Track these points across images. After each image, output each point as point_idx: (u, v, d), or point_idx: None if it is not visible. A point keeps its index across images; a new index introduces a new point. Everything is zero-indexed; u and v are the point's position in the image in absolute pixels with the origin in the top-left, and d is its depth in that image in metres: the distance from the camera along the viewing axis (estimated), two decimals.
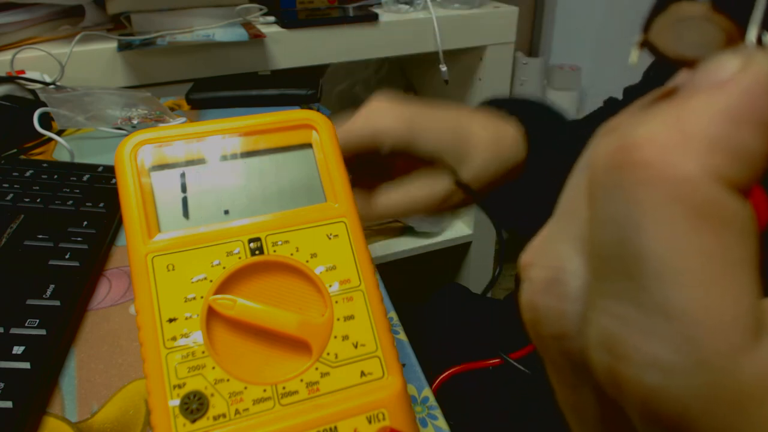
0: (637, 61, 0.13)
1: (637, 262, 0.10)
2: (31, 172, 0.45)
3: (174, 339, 0.22)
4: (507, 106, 0.46)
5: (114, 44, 0.75)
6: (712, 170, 0.09)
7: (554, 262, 0.12)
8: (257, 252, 0.24)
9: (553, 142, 0.44)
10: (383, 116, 0.41)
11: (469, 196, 0.43)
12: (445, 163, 0.41)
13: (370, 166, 0.42)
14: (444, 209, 0.43)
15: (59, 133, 0.56)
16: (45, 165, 0.46)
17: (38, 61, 0.69)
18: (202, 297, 0.23)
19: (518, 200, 0.45)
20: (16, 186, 0.42)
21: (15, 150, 0.54)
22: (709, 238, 0.09)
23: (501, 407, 0.50)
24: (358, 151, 0.40)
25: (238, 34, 0.77)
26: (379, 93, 0.43)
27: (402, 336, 0.36)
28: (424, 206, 0.42)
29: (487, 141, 0.42)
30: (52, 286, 0.34)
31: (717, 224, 0.09)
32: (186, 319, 0.23)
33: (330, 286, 0.24)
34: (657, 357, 0.09)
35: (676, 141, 0.10)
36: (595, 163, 0.11)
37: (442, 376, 0.48)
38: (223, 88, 0.70)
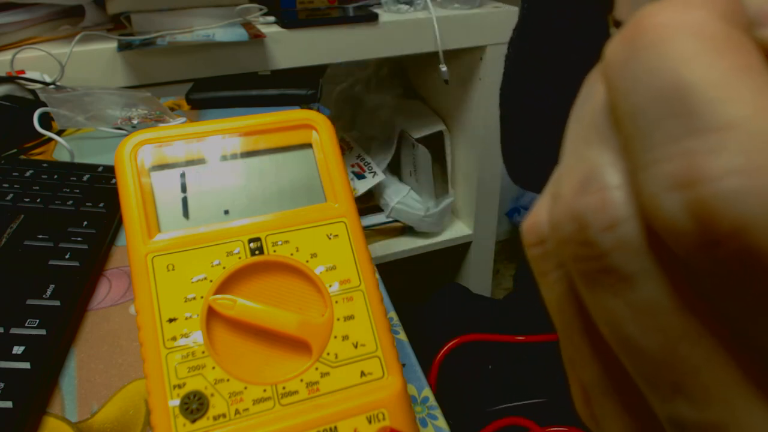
0: None
1: (682, 100, 0.10)
2: (31, 172, 0.45)
3: (174, 339, 0.22)
4: None
5: (114, 44, 0.75)
6: (717, 12, 0.10)
7: (581, 166, 0.12)
8: (257, 252, 0.24)
9: None
10: None
11: None
12: None
13: None
14: None
15: (59, 133, 0.56)
16: (45, 165, 0.46)
17: (38, 61, 0.69)
18: (202, 297, 0.23)
19: None
20: (16, 186, 0.42)
21: (15, 150, 0.54)
22: (740, 59, 0.10)
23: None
24: None
25: (238, 34, 0.77)
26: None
27: (402, 336, 0.36)
28: None
29: None
30: (52, 286, 0.34)
31: (742, 49, 0.10)
32: (186, 319, 0.23)
33: (330, 286, 0.24)
34: (732, 164, 0.09)
35: (677, 3, 0.10)
36: (607, 54, 0.11)
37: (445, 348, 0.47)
38: (223, 88, 0.70)
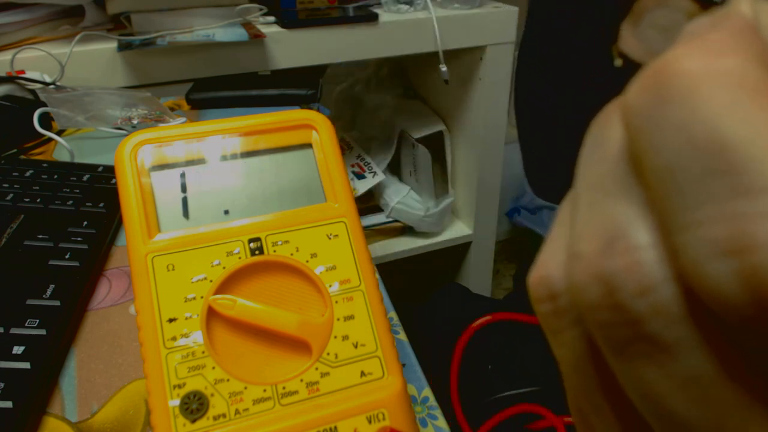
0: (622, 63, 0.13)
1: (723, 157, 0.09)
2: (31, 172, 0.45)
3: (174, 339, 0.22)
4: None
5: (114, 44, 0.75)
6: (751, 57, 0.09)
7: (603, 221, 0.11)
8: (257, 252, 0.24)
9: None
10: None
11: None
12: None
13: None
14: None
15: (59, 133, 0.56)
16: (45, 165, 0.46)
17: (38, 61, 0.69)
18: (202, 297, 0.23)
19: None
20: (16, 186, 0.42)
21: (15, 150, 0.54)
22: None
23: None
24: None
25: (238, 34, 0.77)
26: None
27: (402, 336, 0.36)
28: None
29: None
30: (52, 286, 0.34)
31: None
32: (186, 319, 0.23)
33: (330, 286, 0.24)
34: None
35: (706, 48, 0.09)
36: (629, 101, 0.10)
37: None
38: (223, 88, 0.70)
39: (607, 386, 0.12)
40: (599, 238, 0.10)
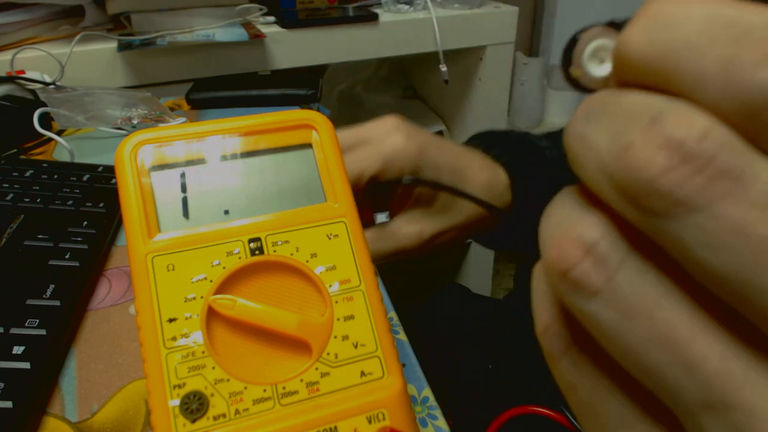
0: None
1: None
2: (31, 172, 0.45)
3: (174, 339, 0.22)
4: (496, 146, 0.49)
5: (114, 44, 0.75)
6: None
7: (638, 110, 0.12)
8: (257, 252, 0.24)
9: (536, 195, 0.47)
10: (398, 136, 0.44)
11: (459, 236, 0.46)
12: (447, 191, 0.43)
13: (377, 195, 0.44)
14: (445, 244, 0.45)
15: (59, 133, 0.56)
16: (45, 165, 0.46)
17: (38, 61, 0.69)
18: (202, 297, 0.23)
19: (505, 236, 0.48)
20: (16, 186, 0.42)
21: (15, 150, 0.55)
22: None
23: None
24: (375, 173, 0.41)
25: (238, 34, 0.77)
26: (386, 115, 0.45)
27: (402, 336, 0.36)
28: (429, 240, 0.44)
29: (482, 186, 0.45)
30: (52, 286, 0.34)
31: None
32: (186, 319, 0.23)
33: (330, 286, 0.24)
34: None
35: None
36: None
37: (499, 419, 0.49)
38: (223, 88, 0.70)
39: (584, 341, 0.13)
40: (644, 118, 0.11)
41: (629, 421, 0.13)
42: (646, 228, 0.11)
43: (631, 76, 0.12)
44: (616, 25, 0.13)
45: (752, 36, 0.10)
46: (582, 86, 0.13)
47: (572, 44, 0.13)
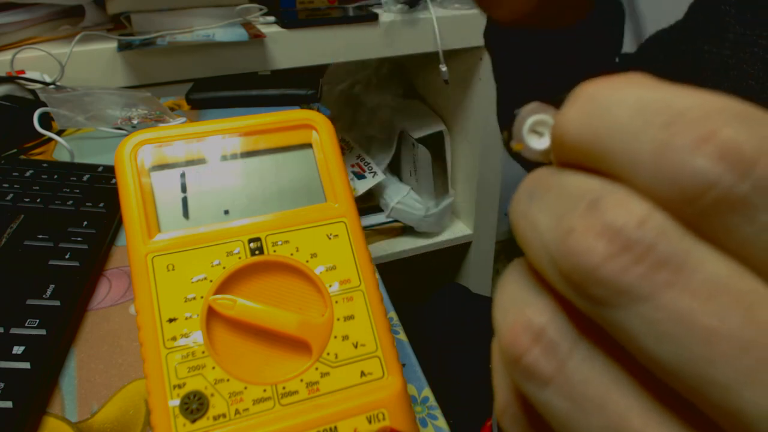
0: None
1: None
2: (31, 172, 0.45)
3: (174, 339, 0.22)
4: None
5: (114, 44, 0.75)
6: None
7: (576, 195, 0.12)
8: (257, 252, 0.24)
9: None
10: None
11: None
12: None
13: None
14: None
15: (59, 133, 0.56)
16: (45, 165, 0.46)
17: (38, 61, 0.69)
18: (202, 297, 0.23)
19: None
20: (16, 186, 0.42)
21: (15, 150, 0.54)
22: None
23: None
24: None
25: (238, 34, 0.77)
26: None
27: (402, 336, 0.36)
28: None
29: None
30: (52, 286, 0.34)
31: None
32: (186, 319, 0.23)
33: (330, 286, 0.24)
34: None
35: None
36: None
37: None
38: (223, 88, 0.70)
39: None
40: (583, 202, 0.11)
41: None
42: (591, 315, 0.11)
43: (568, 157, 0.12)
44: (555, 101, 0.13)
45: (684, 119, 0.10)
46: (523, 159, 0.14)
47: (512, 120, 0.14)
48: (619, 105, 0.11)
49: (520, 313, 0.12)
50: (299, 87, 0.69)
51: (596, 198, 0.11)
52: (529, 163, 0.13)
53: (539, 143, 0.14)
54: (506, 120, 0.56)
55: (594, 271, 0.10)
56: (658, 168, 0.10)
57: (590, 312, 0.11)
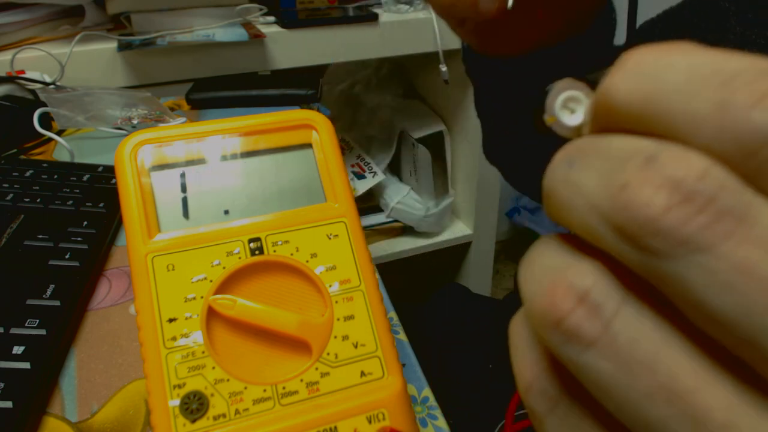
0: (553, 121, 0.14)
1: None
2: (31, 172, 0.45)
3: (174, 339, 0.22)
4: None
5: (114, 44, 0.75)
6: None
7: (631, 150, 0.12)
8: (257, 252, 0.24)
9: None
10: None
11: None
12: None
13: None
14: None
15: (59, 133, 0.56)
16: (45, 165, 0.46)
17: (38, 61, 0.69)
18: (202, 297, 0.23)
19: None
20: (16, 186, 0.42)
21: (15, 150, 0.54)
22: None
23: None
24: None
25: (238, 34, 0.77)
26: None
27: (402, 336, 0.36)
28: None
29: None
30: (52, 286, 0.34)
31: None
32: (186, 319, 0.23)
33: (330, 286, 0.24)
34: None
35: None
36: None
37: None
38: (223, 88, 0.70)
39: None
40: (638, 159, 0.11)
41: None
42: (644, 271, 0.11)
43: (615, 123, 0.12)
44: (587, 80, 0.13)
45: (741, 80, 0.10)
46: (552, 133, 0.14)
47: (544, 94, 0.14)
48: (671, 68, 0.11)
49: (561, 276, 0.12)
50: (299, 87, 0.69)
51: (653, 154, 0.11)
52: (557, 138, 0.13)
53: (571, 119, 0.14)
54: (500, 156, 0.55)
55: (654, 222, 0.10)
56: (718, 125, 0.10)
57: (643, 268, 0.11)
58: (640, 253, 0.10)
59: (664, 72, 0.11)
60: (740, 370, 0.10)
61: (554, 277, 0.12)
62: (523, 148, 0.48)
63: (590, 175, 0.12)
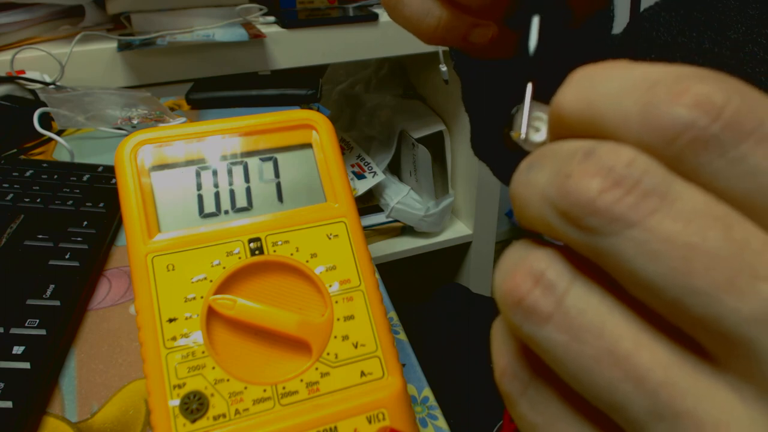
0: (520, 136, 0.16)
1: None
2: (31, 172, 0.45)
3: (174, 339, 0.22)
4: None
5: (114, 44, 0.75)
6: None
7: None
8: (257, 252, 0.24)
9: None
10: None
11: None
12: None
13: None
14: None
15: (59, 133, 0.56)
16: (45, 165, 0.46)
17: (38, 61, 0.69)
18: (202, 297, 0.23)
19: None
20: (16, 186, 0.42)
21: (15, 150, 0.55)
22: None
23: None
24: None
25: (238, 34, 0.77)
26: None
27: (402, 336, 0.36)
28: None
29: None
30: (52, 286, 0.34)
31: None
32: (186, 319, 0.23)
33: (330, 286, 0.24)
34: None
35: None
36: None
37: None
38: (223, 88, 0.70)
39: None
40: (579, 155, 0.13)
41: None
42: (587, 250, 0.12)
43: (567, 131, 0.14)
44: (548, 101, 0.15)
45: (662, 83, 0.12)
46: (519, 148, 0.16)
47: (513, 114, 0.16)
48: (608, 79, 0.13)
49: (522, 263, 0.13)
50: (299, 87, 0.69)
51: (591, 149, 0.12)
52: (522, 153, 0.15)
53: (537, 136, 0.16)
54: (487, 152, 0.56)
55: (590, 203, 0.12)
56: (643, 121, 0.12)
57: (586, 247, 0.12)
58: (582, 233, 0.12)
59: (601, 83, 0.13)
60: (675, 333, 0.12)
61: (516, 264, 0.14)
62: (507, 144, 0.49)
63: (543, 173, 0.13)
